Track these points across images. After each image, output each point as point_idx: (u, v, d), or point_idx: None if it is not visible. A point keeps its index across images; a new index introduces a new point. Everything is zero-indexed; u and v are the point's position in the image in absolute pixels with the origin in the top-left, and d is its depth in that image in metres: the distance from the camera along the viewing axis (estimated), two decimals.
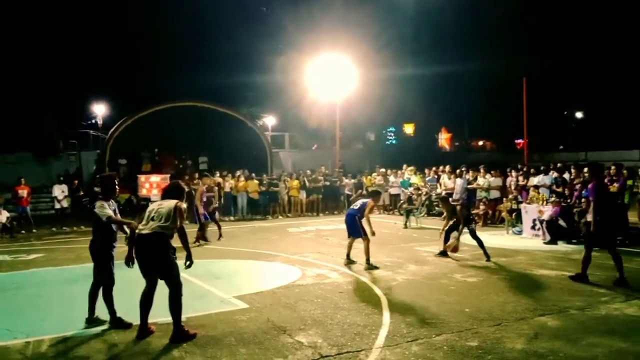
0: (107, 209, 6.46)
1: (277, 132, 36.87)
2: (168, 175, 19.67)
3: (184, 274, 9.38)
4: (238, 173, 19.90)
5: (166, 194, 6.38)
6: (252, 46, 34.47)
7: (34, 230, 16.57)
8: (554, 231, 12.33)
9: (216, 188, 15.09)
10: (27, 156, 26.81)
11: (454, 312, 6.75)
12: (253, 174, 20.65)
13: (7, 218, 15.94)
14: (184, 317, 6.72)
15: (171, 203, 6.03)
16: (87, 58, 33.17)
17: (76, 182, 19.44)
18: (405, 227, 15.88)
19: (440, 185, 19.14)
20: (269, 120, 37.93)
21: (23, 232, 16.35)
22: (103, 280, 6.53)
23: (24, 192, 16.91)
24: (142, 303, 6.01)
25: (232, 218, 18.93)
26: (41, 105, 28.20)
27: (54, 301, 7.84)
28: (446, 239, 10.65)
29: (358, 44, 29.01)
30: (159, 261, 5.99)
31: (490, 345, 5.56)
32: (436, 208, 19.05)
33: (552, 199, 13.22)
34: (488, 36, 39.21)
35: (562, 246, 11.90)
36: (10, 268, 10.59)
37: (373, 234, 9.90)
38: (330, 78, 23.53)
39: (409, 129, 49.73)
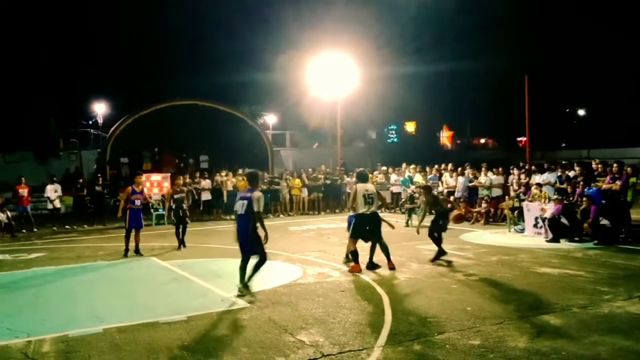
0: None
1: (278, 131, 36.86)
2: (169, 174, 19.63)
3: (184, 273, 9.41)
4: (240, 172, 19.87)
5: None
6: (253, 44, 34.53)
7: (35, 230, 16.57)
8: (556, 229, 12.28)
9: (185, 189, 13.93)
10: (28, 155, 26.82)
11: (455, 311, 6.72)
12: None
13: (7, 217, 15.92)
14: (184, 315, 6.72)
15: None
16: (88, 57, 33.18)
17: (81, 181, 19.42)
18: (407, 225, 15.85)
19: (442, 183, 19.10)
20: (270, 119, 37.91)
21: (24, 231, 16.35)
22: (264, 255, 7.70)
23: (24, 191, 16.90)
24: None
25: (233, 217, 18.84)
26: (42, 105, 28.19)
27: (55, 300, 7.83)
28: (438, 241, 10.22)
29: (359, 41, 28.99)
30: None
31: (493, 343, 5.53)
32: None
33: (555, 196, 13.18)
34: (490, 34, 39.14)
35: (564, 244, 11.86)
36: (11, 267, 10.59)
37: (392, 227, 10.28)
38: (331, 76, 23.49)
39: (410, 127, 49.65)
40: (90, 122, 34.74)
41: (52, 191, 17.52)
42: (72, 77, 31.44)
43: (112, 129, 24.93)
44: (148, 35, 34.32)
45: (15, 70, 27.31)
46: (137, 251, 11.64)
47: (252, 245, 7.65)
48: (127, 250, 11.51)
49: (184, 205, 12.82)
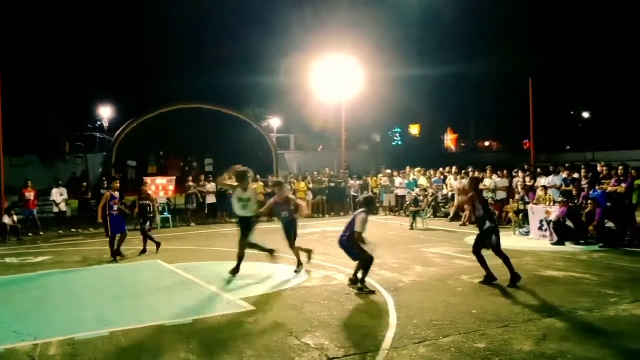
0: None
1: (282, 134, 36.92)
2: (174, 178, 19.68)
3: (190, 276, 9.42)
4: None
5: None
6: (258, 47, 34.58)
7: (41, 233, 16.64)
8: (561, 232, 12.26)
9: (151, 195, 13.36)
10: (34, 159, 26.96)
11: (461, 314, 6.72)
12: (258, 176, 20.65)
13: (14, 221, 16.00)
14: (190, 318, 6.74)
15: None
16: (93, 60, 33.31)
17: (85, 184, 19.52)
18: (412, 228, 15.84)
19: (447, 186, 19.10)
20: (275, 122, 38.01)
21: (30, 234, 16.42)
22: (369, 260, 8.13)
23: (31, 195, 16.98)
24: None
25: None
26: (47, 109, 28.33)
27: (62, 303, 7.86)
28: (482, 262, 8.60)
29: (363, 44, 29.02)
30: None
31: (498, 347, 5.53)
32: (442, 209, 19.03)
33: (560, 199, 13.16)
34: (494, 36, 39.13)
35: (569, 247, 11.83)
36: (18, 270, 10.63)
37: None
38: (335, 79, 23.53)
39: (414, 130, 49.62)
40: (97, 126, 34.91)
41: (58, 194, 17.58)
42: (78, 81, 31.58)
43: (118, 132, 25.02)
44: (153, 39, 34.48)
45: (21, 74, 27.45)
46: (117, 253, 11.51)
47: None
48: (114, 255, 11.44)
49: (150, 214, 12.47)
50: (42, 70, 29.12)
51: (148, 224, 12.36)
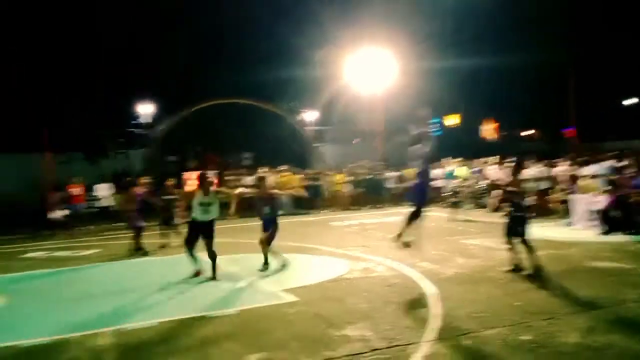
0: None
1: (318, 127, 36.95)
2: (213, 172, 19.96)
3: (233, 268, 9.58)
4: (280, 168, 20.06)
5: None
6: (293, 41, 34.52)
7: (88, 227, 17.17)
8: (608, 222, 11.91)
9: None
10: (78, 156, 27.78)
11: (504, 306, 6.63)
12: (295, 169, 20.80)
13: (64, 216, 16.54)
14: (234, 309, 6.87)
15: None
16: (133, 59, 34.01)
17: (128, 179, 20.03)
18: (451, 219, 15.68)
19: (486, 176, 18.81)
20: (310, 115, 38.01)
21: (78, 229, 16.97)
22: None
23: (76, 190, 17.53)
24: None
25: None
26: (90, 106, 29.11)
27: (110, 295, 8.10)
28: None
29: (399, 36, 28.65)
30: None
31: (544, 338, 5.45)
32: (481, 200, 18.74)
33: (607, 188, 12.78)
34: (534, 24, 38.06)
35: (617, 237, 11.48)
36: (67, 264, 11.00)
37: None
38: (371, 71, 23.41)
39: (452, 120, 48.88)
40: (137, 123, 35.70)
41: (103, 190, 18.14)
42: (119, 79, 32.33)
43: (159, 129, 25.57)
44: (189, 36, 34.93)
45: (64, 73, 28.28)
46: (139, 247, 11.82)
47: None
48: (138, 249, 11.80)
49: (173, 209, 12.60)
50: (84, 68, 29.92)
51: (173, 219, 12.65)
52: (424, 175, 8.62)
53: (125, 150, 30.63)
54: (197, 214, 8.95)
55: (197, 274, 8.89)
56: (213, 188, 9.54)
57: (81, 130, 27.90)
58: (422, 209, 8.65)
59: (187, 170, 21.63)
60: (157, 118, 32.23)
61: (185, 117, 24.79)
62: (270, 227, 9.50)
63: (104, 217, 18.15)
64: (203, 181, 9.22)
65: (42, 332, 6.29)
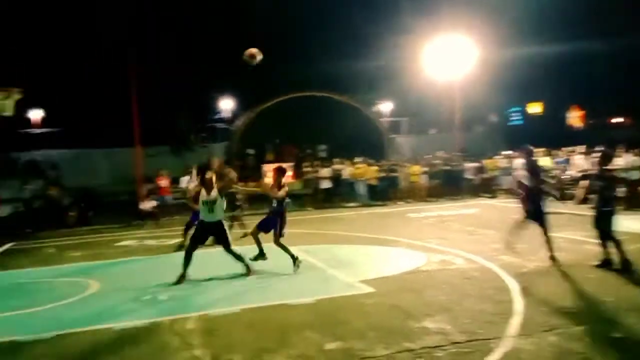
0: None
1: (394, 118, 36.57)
2: (290, 164, 20.34)
3: (310, 259, 9.74)
4: (358, 160, 20.07)
5: None
6: (368, 31, 34.33)
7: (174, 217, 18.00)
8: None
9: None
10: (165, 149, 29.17)
11: (593, 302, 6.34)
12: (371, 160, 20.74)
13: (153, 207, 17.45)
14: (312, 299, 7.00)
15: None
16: (214, 55, 35.18)
17: (210, 173, 20.80)
18: None
19: (573, 166, 17.89)
20: (386, 106, 37.69)
21: (165, 219, 17.84)
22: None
23: (164, 182, 18.41)
24: None
25: (352, 204, 19.19)
26: (175, 102, 30.47)
27: (195, 282, 8.45)
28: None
29: (478, 22, 27.76)
30: None
31: (637, 337, 5.15)
32: (567, 191, 17.86)
33: None
34: (622, 8, 35.57)
35: None
36: (156, 252, 11.64)
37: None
38: (448, 59, 22.81)
39: (535, 108, 46.78)
40: (218, 117, 36.98)
41: (187, 182, 18.90)
42: (201, 75, 33.59)
43: (238, 122, 26.30)
44: (265, 31, 35.61)
45: (150, 70, 29.69)
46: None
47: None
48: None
49: (237, 201, 12.67)
50: (168, 66, 31.31)
51: (239, 210, 12.92)
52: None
53: (208, 144, 31.83)
54: (203, 214, 8.56)
55: (180, 280, 8.31)
56: (216, 185, 8.68)
57: (167, 125, 29.25)
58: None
59: (265, 163, 22.16)
60: (237, 112, 33.17)
61: (263, 111, 25.32)
62: (275, 222, 8.94)
63: (189, 208, 18.92)
64: (203, 178, 8.66)
65: (134, 316, 6.72)
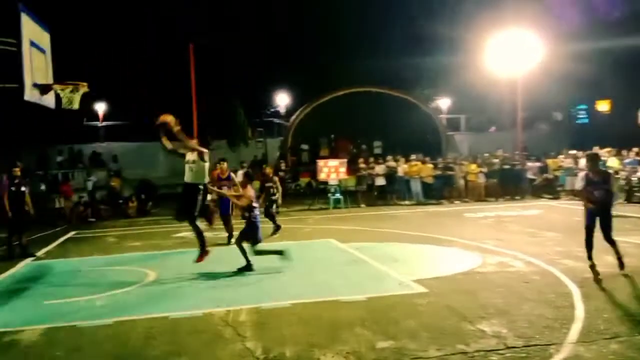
0: None
1: (452, 115, 35.86)
2: (345, 160, 20.26)
3: (362, 256, 9.68)
4: (413, 157, 19.80)
5: None
6: (427, 25, 33.74)
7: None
8: None
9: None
10: (222, 144, 29.77)
11: None
12: (427, 158, 20.40)
13: (209, 200, 17.81)
14: (364, 296, 6.94)
15: None
16: (271, 51, 35.59)
17: (265, 166, 21.08)
18: None
19: None
20: (444, 102, 36.99)
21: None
22: None
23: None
24: None
25: (406, 202, 18.95)
26: (233, 97, 31.00)
27: (248, 275, 8.59)
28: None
29: (541, 15, 26.76)
30: None
31: None
32: (637, 194, 16.97)
33: None
34: None
35: None
36: (211, 244, 11.83)
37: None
38: (510, 54, 22.07)
39: (603, 106, 44.70)
40: (274, 112, 37.40)
41: (241, 176, 19.21)
42: (258, 71, 34.07)
43: (293, 118, 26.52)
44: (322, 26, 35.68)
45: (210, 67, 30.39)
46: (230, 237, 11.57)
47: None
48: (229, 236, 11.78)
49: (272, 196, 12.81)
50: (227, 60, 31.92)
51: (274, 206, 12.91)
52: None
53: (264, 139, 32.26)
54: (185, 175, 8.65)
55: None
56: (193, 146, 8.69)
57: (225, 120, 29.82)
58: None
59: (319, 158, 22.22)
60: (293, 107, 33.43)
61: (319, 106, 25.42)
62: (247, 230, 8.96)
63: None
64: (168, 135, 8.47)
65: (188, 305, 6.87)
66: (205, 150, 8.65)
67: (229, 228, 11.94)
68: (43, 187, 18.42)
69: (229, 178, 11.79)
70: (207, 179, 8.81)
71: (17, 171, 10.94)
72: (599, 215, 7.72)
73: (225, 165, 12.03)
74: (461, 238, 11.29)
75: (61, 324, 6.27)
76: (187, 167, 8.56)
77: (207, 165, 8.63)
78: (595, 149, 18.86)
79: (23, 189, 10.82)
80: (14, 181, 10.78)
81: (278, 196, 13.11)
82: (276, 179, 13.41)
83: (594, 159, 8.10)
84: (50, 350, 5.49)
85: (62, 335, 5.92)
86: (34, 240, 12.63)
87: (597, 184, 7.68)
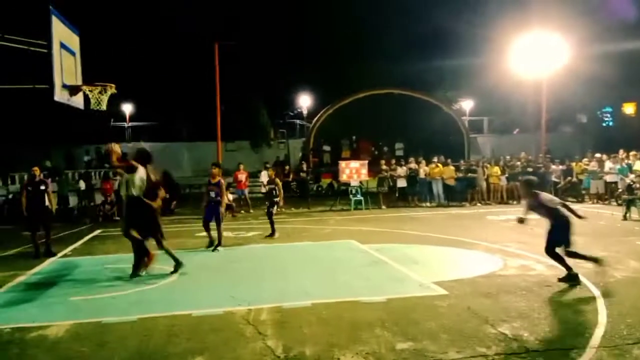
0: None
1: (475, 117, 35.58)
2: (366, 162, 20.26)
3: (382, 257, 9.70)
4: (435, 159, 19.71)
5: None
6: (450, 27, 33.55)
7: (251, 211, 18.49)
8: None
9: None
10: (245, 144, 30.04)
11: None
12: (449, 160, 20.29)
13: (231, 200, 17.99)
14: (384, 297, 6.96)
15: None
16: (294, 54, 35.77)
17: (287, 167, 21.22)
18: (625, 218, 14.17)
19: None
20: (467, 104, 36.72)
21: (242, 212, 18.37)
22: None
23: (243, 176, 18.95)
24: None
25: (427, 204, 18.87)
26: (255, 99, 31.28)
27: (269, 274, 8.68)
28: None
29: (565, 16, 26.37)
30: None
31: None
32: None
33: None
34: None
35: None
36: (232, 243, 11.98)
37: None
38: (535, 56, 21.82)
39: (629, 108, 43.86)
40: (296, 113, 37.55)
41: (266, 176, 19.33)
42: (281, 73, 34.28)
43: (315, 119, 26.56)
44: (346, 28, 35.72)
45: (233, 69, 30.72)
46: (214, 244, 11.08)
47: None
48: (210, 241, 11.21)
49: (275, 197, 12.68)
50: (250, 62, 32.20)
51: (275, 207, 12.83)
52: None
53: (286, 140, 32.43)
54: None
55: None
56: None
57: (248, 121, 30.08)
58: None
59: (340, 159, 22.27)
60: (315, 109, 33.54)
61: (341, 108, 25.44)
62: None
63: (264, 201, 19.38)
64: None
65: (211, 303, 6.98)
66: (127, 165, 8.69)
67: (210, 233, 11.32)
68: (83, 185, 18.79)
69: (218, 184, 11.12)
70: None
71: (37, 170, 11.02)
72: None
73: (215, 170, 11.39)
74: (483, 241, 11.23)
75: (87, 320, 6.42)
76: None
77: (136, 176, 8.54)
78: (621, 152, 18.62)
79: (42, 187, 10.80)
80: (33, 180, 10.84)
81: (279, 198, 13.10)
82: (278, 180, 13.45)
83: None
84: (75, 346, 5.62)
85: (88, 331, 6.06)
86: (62, 237, 12.95)
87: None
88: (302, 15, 35.75)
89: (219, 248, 10.90)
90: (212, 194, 11.01)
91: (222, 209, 11.11)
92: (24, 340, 5.86)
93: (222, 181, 11.25)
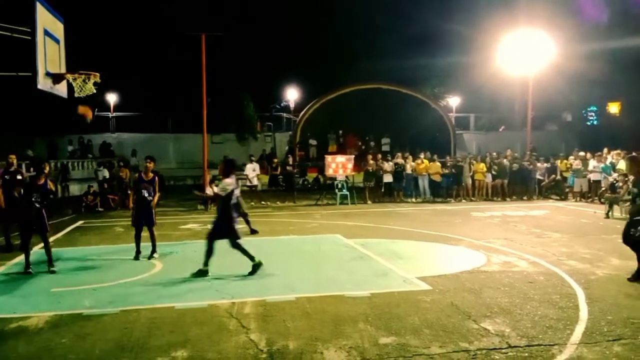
0: None
1: (461, 113, 35.72)
2: (352, 156, 20.26)
3: (367, 252, 9.71)
4: (421, 155, 19.76)
5: None
6: (437, 23, 33.65)
7: None
8: None
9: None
10: (231, 137, 29.83)
11: None
12: (435, 156, 20.36)
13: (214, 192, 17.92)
14: (368, 292, 6.97)
15: None
16: (280, 46, 35.62)
17: (276, 160, 21.10)
18: (607, 217, 14.34)
19: None
20: (454, 101, 36.84)
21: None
22: None
23: None
24: None
25: (413, 200, 18.93)
26: (242, 91, 31.04)
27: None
28: None
29: (552, 16, 26.55)
30: None
31: None
32: None
33: None
34: None
35: None
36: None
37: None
38: (521, 54, 21.95)
39: (613, 108, 44.38)
40: (283, 107, 37.41)
41: (251, 170, 19.23)
42: (268, 65, 34.12)
43: (302, 113, 26.46)
44: (334, 21, 35.65)
45: (220, 60, 30.50)
46: (153, 252, 9.61)
47: None
48: (138, 252, 9.54)
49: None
50: (236, 54, 31.98)
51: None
52: None
53: (272, 133, 32.30)
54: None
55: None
56: None
57: (234, 113, 29.86)
58: None
59: (327, 154, 22.25)
60: (302, 103, 33.46)
61: (328, 102, 25.38)
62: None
63: (251, 195, 19.30)
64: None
65: (194, 296, 6.94)
66: None
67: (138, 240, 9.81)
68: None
69: (152, 181, 9.65)
70: None
71: (13, 159, 10.64)
72: None
73: (151, 164, 9.82)
74: (467, 237, 11.29)
75: (67, 312, 6.35)
76: None
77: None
78: (605, 151, 18.82)
79: (19, 177, 10.34)
80: (9, 169, 10.43)
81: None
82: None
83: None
84: (56, 337, 5.56)
85: (68, 323, 5.99)
86: None
87: None
88: (291, 8, 35.60)
89: (154, 255, 9.54)
90: (145, 193, 9.43)
91: (154, 210, 9.71)
92: (4, 331, 5.78)
93: (157, 178, 9.77)
